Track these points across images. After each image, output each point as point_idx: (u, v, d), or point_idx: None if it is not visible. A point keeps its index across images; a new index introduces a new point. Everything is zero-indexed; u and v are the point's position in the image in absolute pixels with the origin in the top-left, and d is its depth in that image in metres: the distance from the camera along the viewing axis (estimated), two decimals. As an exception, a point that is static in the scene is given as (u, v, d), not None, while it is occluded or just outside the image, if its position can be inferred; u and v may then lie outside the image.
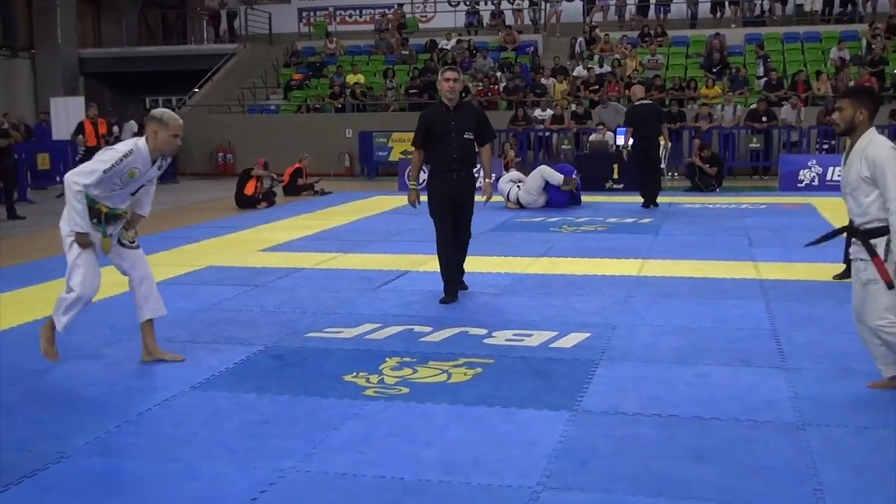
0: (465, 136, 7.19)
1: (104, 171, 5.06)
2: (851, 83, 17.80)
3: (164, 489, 3.72)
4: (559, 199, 13.44)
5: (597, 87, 20.70)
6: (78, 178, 5.07)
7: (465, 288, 7.56)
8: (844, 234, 4.91)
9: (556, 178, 13.28)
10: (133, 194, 5.35)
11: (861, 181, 4.55)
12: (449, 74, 7.16)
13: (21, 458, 4.03)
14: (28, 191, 16.70)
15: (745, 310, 6.73)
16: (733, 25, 24.17)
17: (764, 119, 18.48)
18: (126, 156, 5.10)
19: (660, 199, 13.46)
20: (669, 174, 18.23)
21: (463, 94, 7.53)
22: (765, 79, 20.36)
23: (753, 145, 18.74)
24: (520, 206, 13.43)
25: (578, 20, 25.16)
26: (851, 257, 4.78)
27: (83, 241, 5.14)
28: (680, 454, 4.02)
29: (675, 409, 4.58)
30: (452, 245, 7.28)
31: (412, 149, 7.55)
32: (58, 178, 17.99)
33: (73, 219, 5.10)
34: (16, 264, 9.47)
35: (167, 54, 27.38)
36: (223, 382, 5.13)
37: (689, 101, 20.19)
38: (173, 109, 24.43)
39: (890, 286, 4.49)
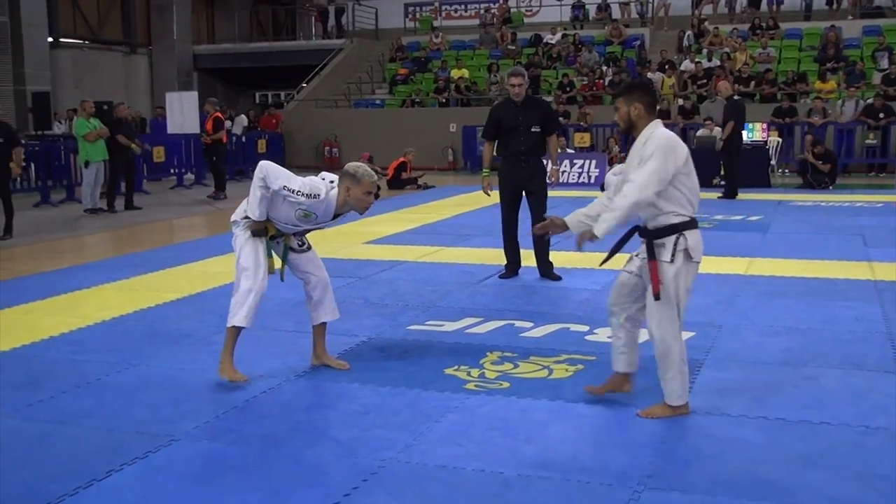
0: (533, 130, 7.71)
1: (283, 186, 4.76)
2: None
3: (268, 474, 3.81)
4: None
5: (704, 81, 20.27)
6: (268, 171, 4.79)
7: (558, 278, 7.66)
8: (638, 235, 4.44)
9: None
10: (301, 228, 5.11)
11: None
12: (514, 80, 7.71)
13: (135, 440, 4.19)
14: (144, 182, 17.31)
15: (859, 311, 6.50)
16: (850, 17, 23.33)
17: (881, 115, 17.79)
18: (310, 196, 4.79)
19: (770, 196, 13.30)
20: (780, 171, 17.75)
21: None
22: (886, 72, 19.56)
23: (870, 142, 18.06)
24: None
25: (687, 13, 24.70)
26: (637, 253, 4.39)
27: (256, 227, 4.94)
28: (786, 459, 3.91)
29: (783, 413, 4.46)
30: (515, 229, 7.89)
31: None
32: (172, 171, 18.64)
33: (251, 205, 4.89)
34: (133, 252, 9.83)
35: (277, 50, 28.04)
36: (327, 372, 5.22)
37: (801, 95, 19.58)
38: (282, 104, 25.11)
39: (656, 297, 4.19)
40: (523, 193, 7.81)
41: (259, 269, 4.96)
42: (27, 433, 4.31)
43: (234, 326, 4.99)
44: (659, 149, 4.17)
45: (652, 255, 4.21)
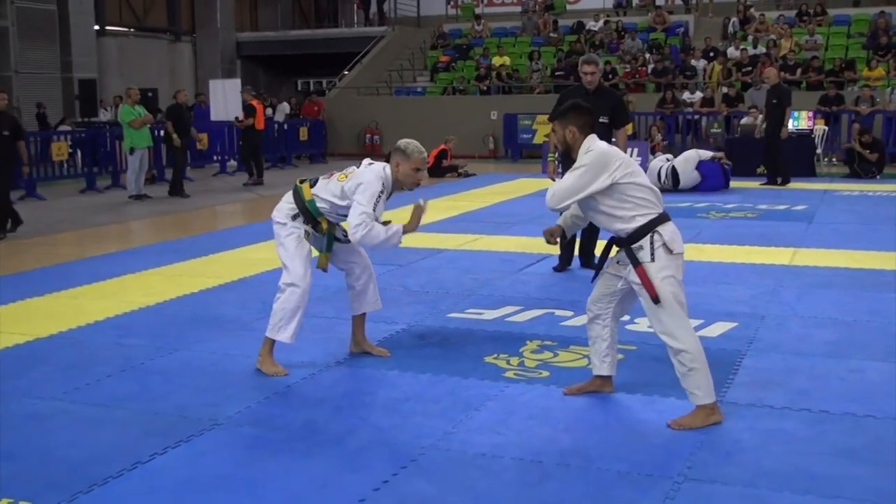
0: (601, 120, 7.42)
1: (373, 209, 4.77)
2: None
3: (309, 460, 3.85)
4: (713, 177, 13.19)
5: (749, 68, 19.99)
6: (367, 230, 4.74)
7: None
8: (614, 250, 4.38)
9: (708, 154, 13.62)
10: None
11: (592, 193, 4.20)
12: (587, 69, 7.49)
13: (179, 423, 4.25)
14: (188, 169, 17.47)
15: (906, 304, 6.39)
16: (901, 3, 22.86)
17: (932, 103, 17.45)
18: (381, 194, 4.82)
19: (816, 186, 13.17)
20: (826, 160, 17.49)
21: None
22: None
23: (919, 131, 17.70)
24: (673, 186, 13.13)
25: (732, -1, 24.36)
26: (617, 261, 4.35)
27: (414, 220, 4.92)
28: (831, 451, 3.86)
29: (827, 405, 4.40)
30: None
31: (550, 130, 7.74)
32: (215, 158, 18.80)
33: (388, 240, 4.79)
34: (177, 238, 9.94)
35: (319, 37, 28.12)
36: (367, 359, 5.25)
37: (849, 83, 19.24)
38: (324, 91, 25.21)
39: (655, 300, 4.10)
40: None
41: (308, 284, 4.94)
42: (74, 415, 4.39)
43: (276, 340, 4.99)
44: (585, 164, 4.20)
45: (636, 261, 4.15)
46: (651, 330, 5.71)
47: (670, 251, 4.15)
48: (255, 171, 16.03)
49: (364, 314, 5.33)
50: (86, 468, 3.75)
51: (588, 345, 4.59)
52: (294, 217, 4.97)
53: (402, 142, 4.96)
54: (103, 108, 23.08)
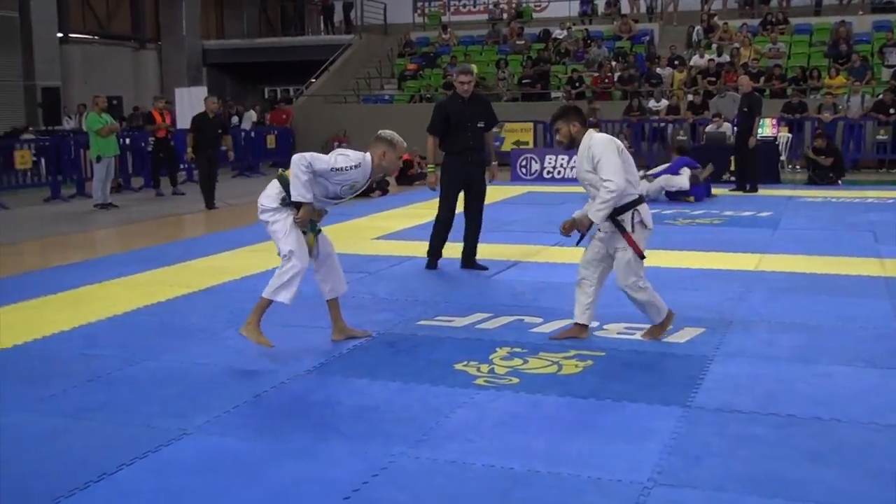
0: (478, 125, 8.01)
1: (332, 168, 5.18)
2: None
3: (278, 469, 3.82)
4: (697, 193, 13.14)
5: (714, 76, 20.20)
6: (311, 158, 5.18)
7: (484, 269, 8.02)
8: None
9: (680, 182, 13.08)
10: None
11: (589, 174, 5.35)
12: (463, 78, 7.98)
13: (145, 434, 4.20)
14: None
15: (870, 308, 6.48)
16: (860, 12, 23.22)
17: (891, 110, 17.71)
18: (357, 166, 5.25)
19: (781, 192, 13.31)
20: (790, 167, 17.70)
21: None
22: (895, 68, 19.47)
23: (880, 137, 17.96)
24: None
25: (696, 8, 24.59)
26: (600, 230, 5.49)
27: (306, 212, 5.23)
28: (797, 455, 3.90)
29: (793, 409, 4.45)
30: (451, 223, 8.17)
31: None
32: (181, 166, 18.61)
33: (298, 189, 5.14)
34: (143, 247, 9.85)
35: (286, 45, 28.08)
36: (337, 367, 5.23)
37: (811, 91, 19.50)
38: (291, 99, 25.09)
39: (641, 256, 5.39)
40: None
41: (304, 252, 5.26)
42: (39, 427, 4.33)
43: (273, 301, 5.25)
44: (604, 150, 5.30)
45: (622, 229, 5.37)
46: (620, 336, 5.79)
47: (644, 226, 5.41)
48: (154, 182, 15.96)
49: (336, 299, 5.65)
50: (52, 480, 3.70)
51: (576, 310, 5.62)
52: (283, 201, 5.25)
53: (386, 133, 5.41)
54: (67, 116, 22.85)
